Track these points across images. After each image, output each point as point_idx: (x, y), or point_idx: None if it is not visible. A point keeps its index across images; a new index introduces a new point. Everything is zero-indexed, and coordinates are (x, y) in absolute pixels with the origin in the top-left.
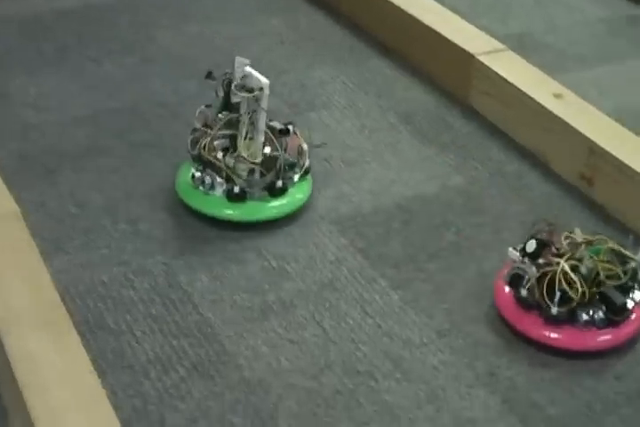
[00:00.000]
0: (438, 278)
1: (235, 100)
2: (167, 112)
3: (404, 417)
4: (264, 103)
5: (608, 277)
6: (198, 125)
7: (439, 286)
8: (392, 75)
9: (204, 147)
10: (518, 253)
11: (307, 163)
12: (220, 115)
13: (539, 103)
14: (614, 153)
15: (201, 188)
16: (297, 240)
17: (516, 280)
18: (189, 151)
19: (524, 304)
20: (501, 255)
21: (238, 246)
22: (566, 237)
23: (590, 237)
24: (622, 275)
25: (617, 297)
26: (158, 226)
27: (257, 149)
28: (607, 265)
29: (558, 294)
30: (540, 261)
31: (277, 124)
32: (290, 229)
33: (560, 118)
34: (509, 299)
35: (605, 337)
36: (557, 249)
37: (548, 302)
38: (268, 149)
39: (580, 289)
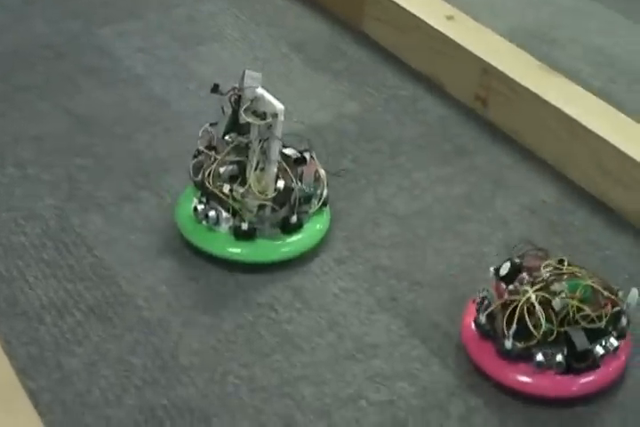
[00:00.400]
0: (335, 206)
1: (243, 120)
2: (52, 53)
3: (306, 346)
4: (278, 131)
5: (584, 317)
6: (201, 147)
7: (336, 213)
8: (283, 5)
9: (209, 174)
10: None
11: (325, 192)
12: (227, 137)
13: (431, 26)
14: (506, 72)
15: (204, 222)
16: None
17: (482, 304)
18: (191, 178)
19: (481, 331)
20: (398, 180)
21: (132, 186)
22: (547, 266)
23: (575, 270)
24: (596, 318)
25: (581, 341)
26: (47, 169)
27: (269, 181)
28: (579, 304)
29: (514, 326)
30: (511, 287)
31: (292, 152)
32: (183, 166)
33: (453, 40)
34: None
35: (563, 384)
36: (534, 277)
37: (506, 333)
38: (281, 184)
39: (543, 325)
